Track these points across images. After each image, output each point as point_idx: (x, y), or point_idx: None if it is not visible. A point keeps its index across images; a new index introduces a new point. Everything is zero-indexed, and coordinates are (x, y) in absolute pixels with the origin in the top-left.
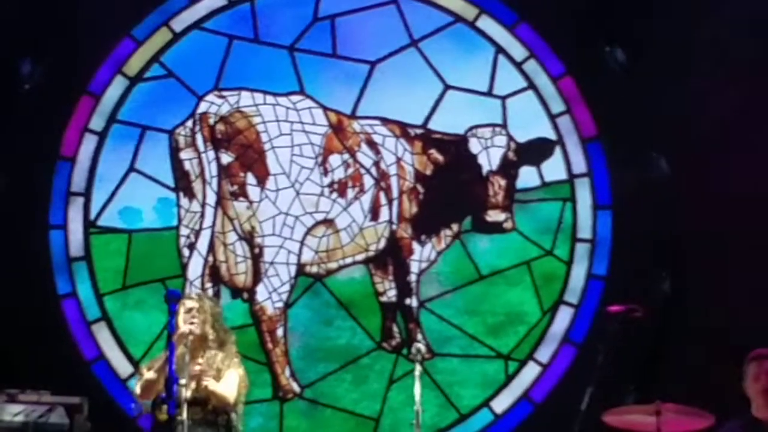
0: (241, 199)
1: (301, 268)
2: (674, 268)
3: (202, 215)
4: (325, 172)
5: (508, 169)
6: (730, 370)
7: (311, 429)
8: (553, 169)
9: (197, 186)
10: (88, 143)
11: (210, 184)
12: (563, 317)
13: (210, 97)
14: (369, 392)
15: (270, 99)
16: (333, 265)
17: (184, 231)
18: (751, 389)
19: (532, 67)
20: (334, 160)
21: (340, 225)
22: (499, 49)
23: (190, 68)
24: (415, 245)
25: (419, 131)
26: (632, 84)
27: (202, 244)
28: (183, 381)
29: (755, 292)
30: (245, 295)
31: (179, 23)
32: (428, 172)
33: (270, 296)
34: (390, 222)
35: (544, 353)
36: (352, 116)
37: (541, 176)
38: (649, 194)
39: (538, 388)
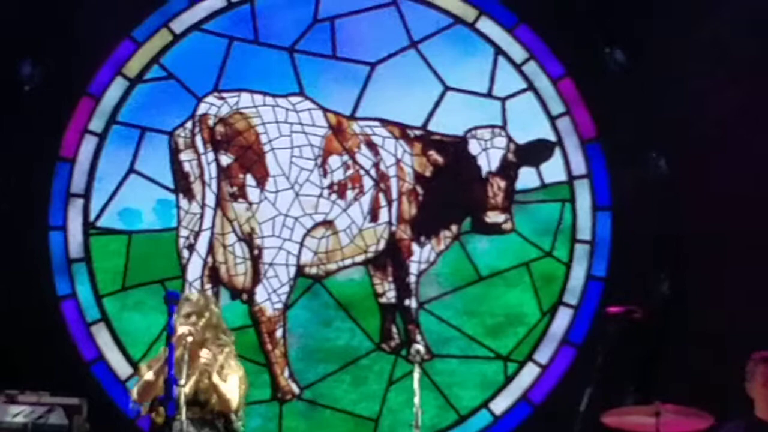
0: (241, 200)
1: (300, 269)
2: (673, 269)
3: (202, 216)
4: (325, 174)
5: (507, 170)
6: (729, 371)
7: (310, 430)
8: (553, 170)
9: (197, 187)
10: (88, 144)
11: (209, 186)
12: (562, 318)
13: (210, 99)
14: (368, 393)
15: (269, 100)
16: (332, 267)
17: (183, 232)
18: (758, 392)
19: (531, 68)
20: (334, 161)
21: (340, 226)
22: (499, 51)
23: (189, 69)
24: (415, 246)
25: (419, 132)
26: (632, 85)
27: (202, 245)
28: (182, 382)
29: (754, 292)
30: (244, 297)
31: (179, 24)
32: (428, 173)
33: (269, 297)
34: (389, 223)
35: (543, 354)
36: (352, 117)
37: (540, 177)
38: (649, 195)
39: (537, 389)
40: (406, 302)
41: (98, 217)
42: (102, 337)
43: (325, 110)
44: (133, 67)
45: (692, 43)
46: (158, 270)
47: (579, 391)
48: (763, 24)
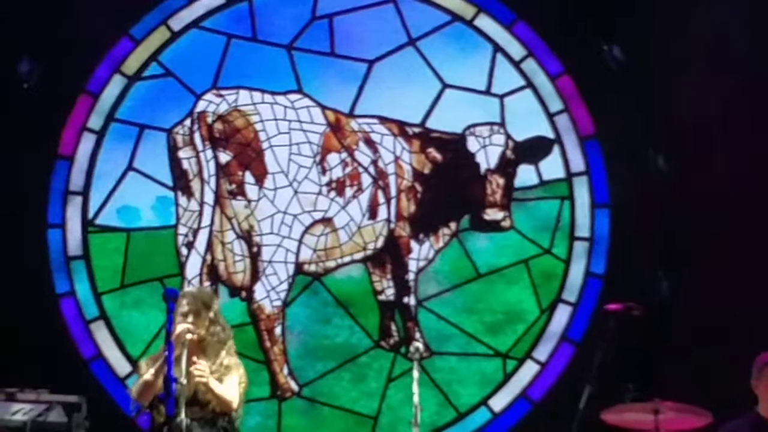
0: (240, 197)
1: (299, 266)
2: (672, 266)
3: (201, 214)
4: (324, 171)
5: (506, 167)
6: (728, 368)
7: (310, 427)
8: (552, 167)
9: (195, 185)
10: (87, 142)
11: (208, 183)
12: (561, 316)
13: (208, 96)
14: (367, 391)
15: (268, 98)
16: (331, 264)
17: (182, 230)
18: (763, 391)
19: (530, 65)
20: (333, 158)
21: (339, 224)
22: (497, 48)
23: (188, 67)
24: (414, 244)
25: (417, 130)
26: (630, 82)
27: (201, 242)
28: (182, 380)
29: (753, 290)
30: (243, 294)
31: (177, 22)
32: (426, 170)
33: (268, 295)
34: (388, 221)
35: (542, 352)
36: (351, 115)
37: (539, 175)
38: (647, 192)
39: (536, 387)
40: (405, 300)
41: (97, 214)
42: (101, 334)
43: (324, 108)
44: (131, 65)
45: (690, 40)
46: (157, 267)
47: (578, 388)
48: (763, 23)
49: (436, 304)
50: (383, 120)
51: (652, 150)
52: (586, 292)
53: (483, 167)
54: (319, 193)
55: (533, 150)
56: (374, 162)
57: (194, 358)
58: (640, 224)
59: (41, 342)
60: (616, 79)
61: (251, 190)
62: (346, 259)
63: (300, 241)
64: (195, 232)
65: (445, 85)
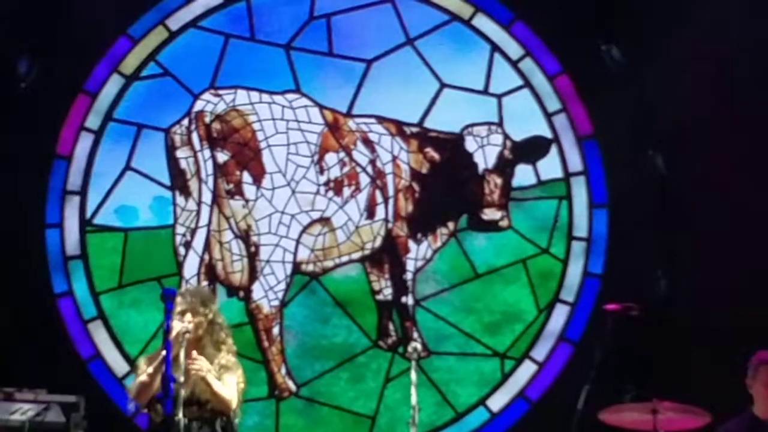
0: (237, 197)
1: (297, 266)
2: (671, 266)
3: (198, 214)
4: (321, 171)
5: (504, 167)
6: (726, 368)
7: (307, 427)
8: (549, 167)
9: (193, 184)
10: (85, 141)
11: (206, 183)
12: (559, 315)
13: (206, 96)
14: (365, 390)
15: (266, 97)
16: (329, 264)
17: (180, 229)
18: (759, 392)
19: (527, 65)
20: (330, 158)
21: (336, 223)
22: (495, 48)
23: (186, 67)
24: (411, 243)
25: (415, 129)
26: (628, 82)
27: (198, 242)
28: (181, 380)
29: (751, 290)
30: (241, 294)
31: (175, 22)
32: (424, 170)
33: (266, 294)
34: (386, 220)
35: (540, 351)
36: (348, 114)
37: (537, 174)
38: (646, 192)
39: (534, 387)
40: (403, 299)
41: (95, 214)
42: (99, 334)
43: (322, 107)
44: (129, 65)
45: (689, 40)
46: (155, 267)
47: (576, 388)
48: (762, 22)
49: (434, 303)
50: (381, 120)
51: (650, 150)
52: (584, 291)
53: (481, 167)
54: (317, 192)
55: (531, 150)
56: (372, 162)
57: (194, 353)
58: (638, 224)
59: (39, 342)
60: (614, 79)
61: (249, 190)
62: (344, 258)
63: (298, 241)
64: (193, 232)
65: (443, 85)
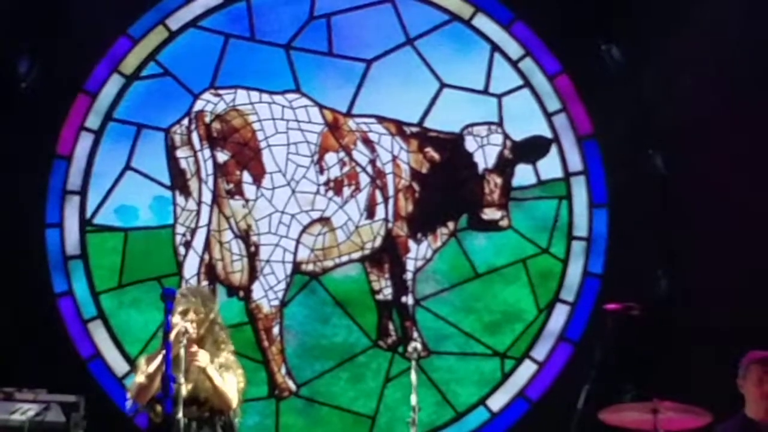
0: (237, 197)
1: (297, 266)
2: (671, 265)
3: (198, 213)
4: (321, 171)
5: (504, 167)
6: (727, 368)
7: (307, 427)
8: (549, 167)
9: (193, 184)
10: (85, 141)
11: (206, 183)
12: (559, 315)
13: (206, 96)
14: (365, 390)
15: (266, 97)
16: (329, 263)
17: (180, 229)
18: (751, 391)
19: (527, 65)
20: (330, 158)
21: (336, 223)
22: (495, 48)
23: (186, 66)
24: (411, 243)
25: (415, 129)
26: (628, 82)
27: (198, 242)
28: (181, 380)
29: (751, 290)
30: (241, 294)
31: (175, 22)
32: (424, 170)
33: (266, 294)
34: (386, 220)
35: (540, 351)
36: (348, 114)
37: (537, 174)
38: (645, 192)
39: (534, 386)
40: (403, 299)
41: (95, 214)
42: (99, 334)
43: (322, 107)
44: (129, 64)
45: (688, 39)
46: (155, 267)
47: (576, 388)
48: (762, 22)
49: (434, 303)
50: (381, 119)
51: (650, 149)
52: (584, 291)
53: (481, 167)
54: (317, 192)
55: (531, 149)
56: (372, 161)
57: (194, 347)
58: (638, 224)
59: (39, 341)
60: (614, 79)
61: (249, 190)
62: (344, 258)
63: (298, 241)
64: (193, 232)
65: (443, 85)
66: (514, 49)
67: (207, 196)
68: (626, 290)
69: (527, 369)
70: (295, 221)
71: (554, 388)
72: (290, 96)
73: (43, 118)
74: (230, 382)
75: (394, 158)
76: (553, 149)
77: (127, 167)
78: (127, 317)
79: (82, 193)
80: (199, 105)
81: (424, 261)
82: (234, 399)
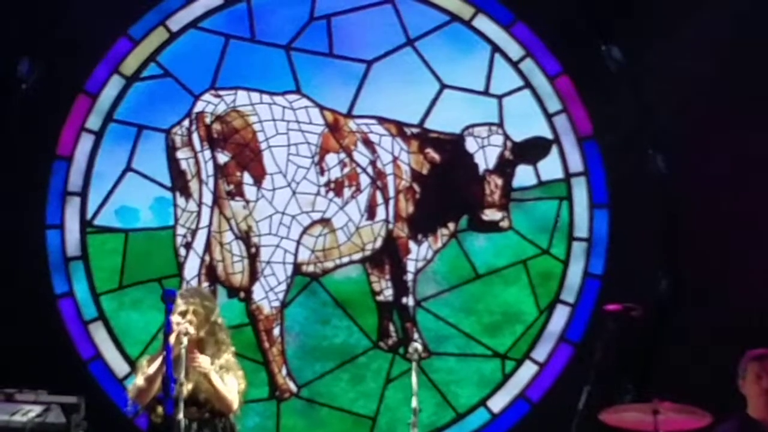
0: (238, 198)
1: (297, 267)
2: (671, 266)
3: (199, 214)
4: (322, 172)
5: (504, 167)
6: (727, 369)
7: (308, 428)
8: (550, 167)
9: (194, 185)
10: (85, 142)
11: (206, 184)
12: (560, 316)
13: (206, 97)
14: (366, 391)
15: (266, 98)
16: (329, 265)
17: (180, 230)
18: (750, 389)
19: (528, 66)
20: (331, 159)
21: (337, 224)
22: (496, 48)
23: (186, 67)
24: (412, 244)
25: (416, 130)
26: (628, 82)
27: (199, 243)
28: (181, 380)
29: (752, 289)
30: (242, 295)
31: (176, 23)
32: (425, 171)
33: (266, 295)
34: (386, 221)
35: (541, 352)
36: (349, 115)
37: (537, 175)
38: (646, 193)
39: (535, 387)
40: (404, 300)
41: (95, 215)
42: (99, 335)
43: (322, 108)
44: (130, 65)
45: (688, 40)
46: (155, 268)
47: (577, 388)
48: (761, 22)
49: (434, 304)
50: (381, 120)
51: (651, 150)
52: (585, 292)
53: (481, 168)
54: (318, 193)
55: (531, 150)
56: (372, 162)
57: (195, 351)
58: (638, 225)
59: (40, 342)
60: (614, 80)
61: (249, 191)
62: (345, 259)
63: (298, 242)
64: (193, 233)
65: (444, 86)
66: (514, 50)
67: (207, 198)
68: (626, 291)
69: (528, 370)
70: (296, 222)
71: (555, 389)
72: (291, 97)
73: (43, 119)
74: (231, 384)
75: (395, 159)
76: (554, 150)
77: (128, 168)
78: (128, 318)
79: (83, 194)
80: (199, 106)
81: (425, 262)
82: (234, 402)
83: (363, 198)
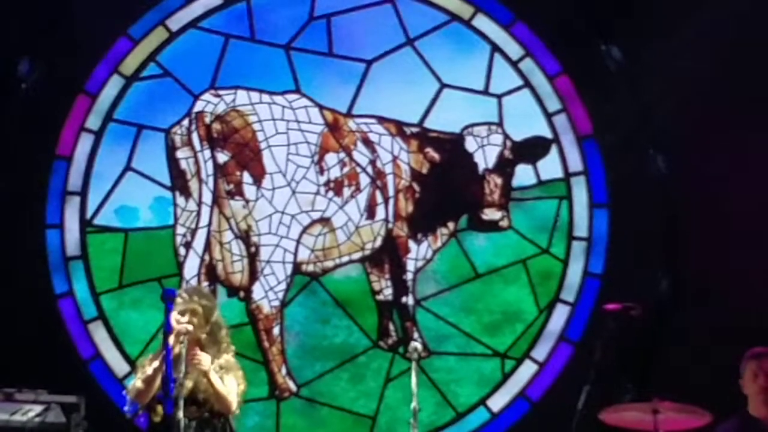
0: (238, 197)
1: (297, 266)
2: (671, 265)
3: (199, 214)
4: (321, 171)
5: (504, 167)
6: (727, 368)
7: (308, 428)
8: (549, 167)
9: (193, 185)
10: (85, 142)
11: (206, 183)
12: (560, 315)
13: (206, 96)
14: (366, 391)
15: (266, 98)
16: (329, 264)
17: (180, 230)
18: (749, 387)
19: (527, 65)
20: (330, 158)
21: (337, 223)
22: (495, 48)
23: (186, 67)
24: (412, 244)
25: (415, 130)
26: (628, 82)
27: (199, 243)
28: (181, 380)
29: (752, 289)
30: (241, 294)
31: (175, 22)
32: (424, 170)
33: (266, 295)
34: (386, 220)
35: (540, 351)
36: (348, 115)
37: (537, 174)
38: (646, 192)
39: (534, 387)
40: (404, 299)
41: (95, 214)
42: (99, 334)
43: (322, 107)
44: (129, 65)
45: (688, 40)
46: (155, 267)
47: (577, 388)
48: (762, 21)
49: (434, 303)
50: (381, 120)
51: (651, 149)
52: (585, 291)
53: (481, 167)
54: (317, 193)
55: (531, 150)
56: (372, 162)
57: (196, 349)
58: (638, 224)
59: (39, 342)
60: (613, 79)
61: (249, 190)
62: (345, 259)
63: (298, 241)
64: (193, 232)
65: (443, 85)
66: (514, 50)
67: (207, 197)
68: (626, 290)
69: (527, 369)
70: (296, 222)
71: (554, 389)
72: (290, 96)
73: (43, 118)
74: (230, 385)
75: (394, 158)
76: (553, 149)
77: (128, 168)
78: (128, 318)
79: (83, 193)
80: (199, 105)
81: (425, 261)
82: (234, 402)
83: (363, 197)
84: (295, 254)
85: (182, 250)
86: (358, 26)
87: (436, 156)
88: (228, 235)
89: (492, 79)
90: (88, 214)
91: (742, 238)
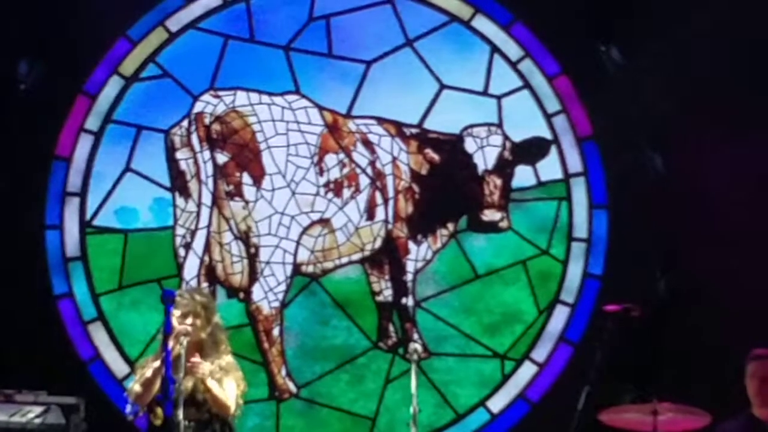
0: (237, 198)
1: (297, 267)
2: (670, 266)
3: (198, 215)
4: (321, 172)
5: (503, 168)
6: (726, 369)
7: (308, 428)
8: (549, 168)
9: (193, 186)
10: (84, 143)
11: (206, 184)
12: (559, 316)
13: (205, 97)
14: (365, 392)
15: (265, 98)
16: (329, 265)
17: (180, 231)
18: (749, 388)
19: (527, 66)
20: (330, 159)
21: (336, 224)
22: (495, 49)
23: (185, 68)
24: (411, 244)
25: (415, 131)
26: (627, 83)
27: (198, 243)
28: (180, 381)
29: (751, 289)
30: (241, 295)
31: (175, 23)
32: (424, 171)
33: (266, 296)
34: (386, 221)
35: (540, 352)
36: (348, 116)
37: (536, 175)
38: (645, 193)
39: (534, 388)
40: (403, 300)
41: (95, 215)
42: (99, 335)
43: (321, 108)
44: (129, 66)
45: (688, 41)
46: (155, 269)
47: (576, 389)
48: (762, 21)
49: (434, 304)
50: (381, 121)
51: (650, 150)
52: (584, 292)
53: (480, 168)
54: (317, 194)
55: (530, 150)
56: (372, 163)
57: (196, 356)
58: (637, 225)
59: (39, 343)
60: (613, 80)
61: (249, 191)
62: (344, 260)
63: (298, 242)
64: (193, 233)
65: (443, 86)
66: (513, 51)
67: (207, 198)
68: (626, 291)
69: (527, 370)
70: (295, 223)
71: (554, 390)
72: (290, 97)
73: (42, 119)
74: (229, 388)
75: (394, 159)
76: (553, 150)
77: (127, 169)
78: (127, 319)
79: (82, 194)
80: (198, 106)
81: (424, 262)
82: (232, 406)
83: (362, 198)
84: (295, 255)
85: (182, 251)
86: (357, 27)
87: (435, 157)
88: (228, 236)
89: (491, 80)
90: (88, 215)
91: (741, 238)
